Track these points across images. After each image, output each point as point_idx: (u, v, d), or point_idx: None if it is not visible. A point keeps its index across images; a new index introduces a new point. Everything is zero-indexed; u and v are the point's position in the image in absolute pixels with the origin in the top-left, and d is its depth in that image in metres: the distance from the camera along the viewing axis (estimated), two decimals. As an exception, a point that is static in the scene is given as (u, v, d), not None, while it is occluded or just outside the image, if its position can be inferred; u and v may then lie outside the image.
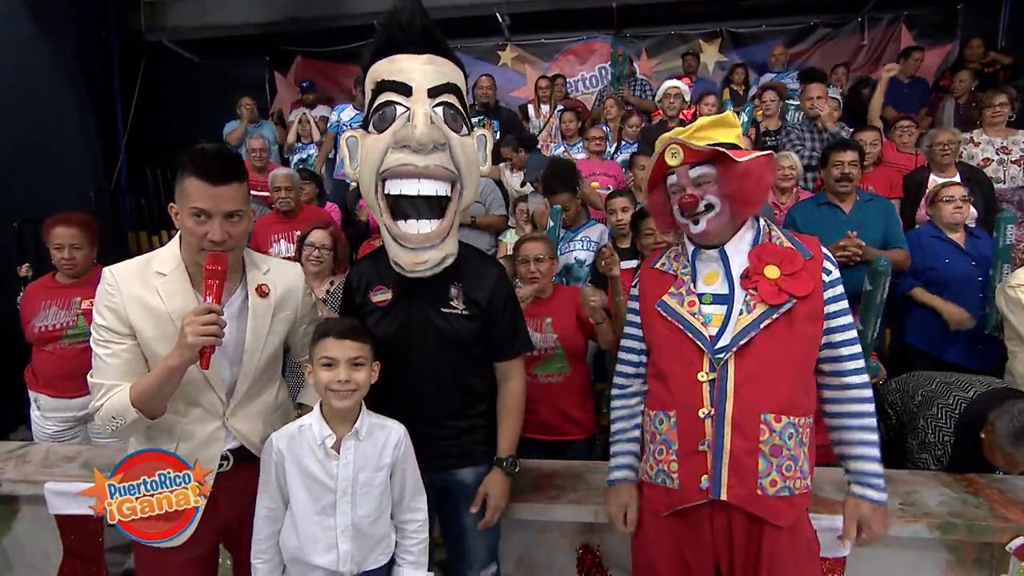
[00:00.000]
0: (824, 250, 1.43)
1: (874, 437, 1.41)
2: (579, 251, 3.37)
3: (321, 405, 1.48)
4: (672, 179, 1.46)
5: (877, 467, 1.41)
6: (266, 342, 1.51)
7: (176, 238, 1.50)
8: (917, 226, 3.45)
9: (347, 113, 5.27)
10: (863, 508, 1.41)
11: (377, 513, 1.48)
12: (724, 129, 1.45)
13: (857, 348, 1.42)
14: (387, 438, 1.49)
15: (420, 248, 1.52)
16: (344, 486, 1.44)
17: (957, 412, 2.01)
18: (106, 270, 1.44)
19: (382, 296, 1.61)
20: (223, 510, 1.51)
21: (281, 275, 1.58)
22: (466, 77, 1.64)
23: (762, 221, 1.48)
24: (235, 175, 1.40)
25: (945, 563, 1.76)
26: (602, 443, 2.83)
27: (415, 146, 1.46)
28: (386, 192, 1.53)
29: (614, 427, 1.63)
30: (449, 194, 1.54)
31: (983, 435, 1.86)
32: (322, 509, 1.44)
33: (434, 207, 1.53)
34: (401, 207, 1.53)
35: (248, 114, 5.51)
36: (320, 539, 1.44)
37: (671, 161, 1.43)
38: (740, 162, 1.36)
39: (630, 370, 1.63)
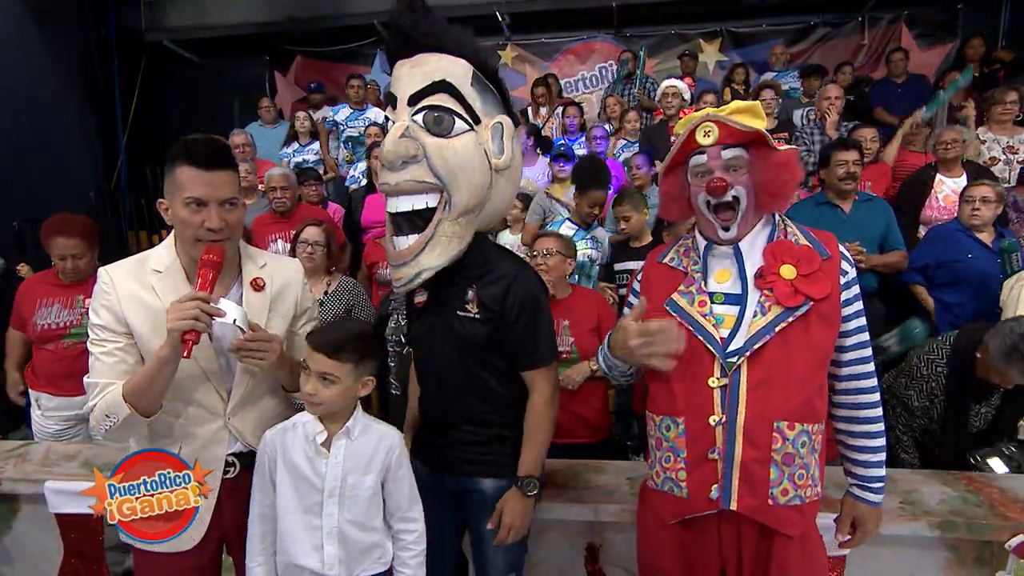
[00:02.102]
0: (842, 248, 1.36)
1: (880, 443, 1.37)
2: (589, 250, 3.38)
3: None
4: (699, 160, 1.34)
5: (879, 471, 1.38)
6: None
7: (171, 236, 1.47)
8: (925, 224, 3.45)
9: (342, 113, 5.27)
10: (860, 509, 1.41)
11: (365, 518, 1.43)
12: (755, 119, 1.34)
13: (868, 352, 1.36)
14: (380, 442, 1.45)
15: (396, 265, 1.52)
16: (332, 486, 1.41)
17: (949, 344, 2.15)
18: (102, 270, 1.42)
19: (420, 298, 1.63)
20: (228, 517, 1.49)
21: (279, 270, 1.55)
22: (482, 64, 1.52)
23: (777, 216, 1.40)
24: (227, 162, 1.38)
25: (945, 561, 1.76)
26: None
27: (386, 164, 1.45)
28: (386, 209, 1.55)
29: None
30: (434, 204, 1.48)
31: (978, 355, 1.95)
32: (308, 508, 1.41)
33: (416, 222, 1.49)
34: (393, 224, 1.54)
35: (267, 116, 5.54)
36: (304, 539, 1.41)
37: (704, 141, 1.31)
38: (780, 150, 1.29)
39: None
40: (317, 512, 1.41)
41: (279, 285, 1.53)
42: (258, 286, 1.48)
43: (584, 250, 3.33)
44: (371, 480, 1.43)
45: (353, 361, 1.39)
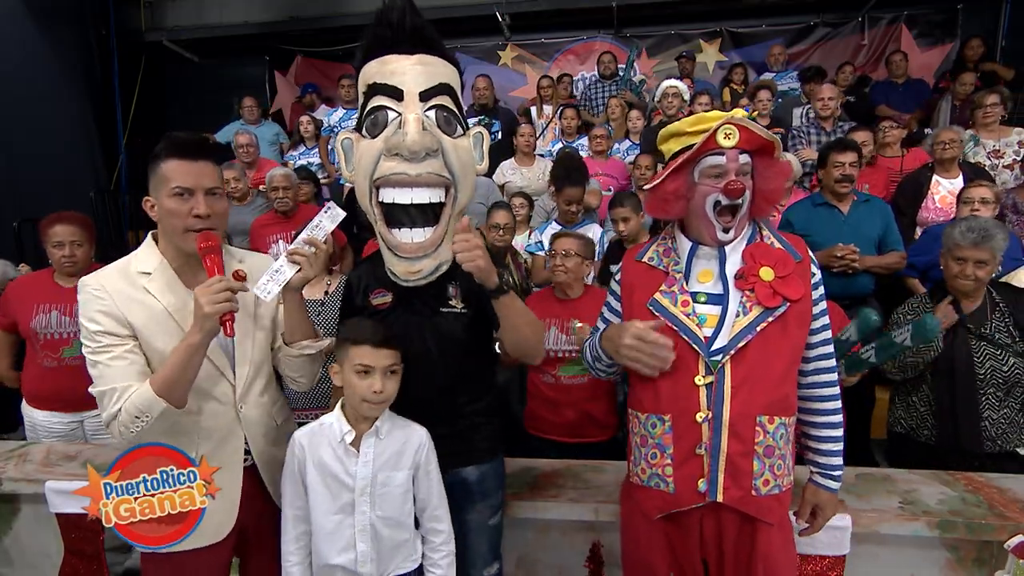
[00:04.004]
0: (809, 251, 1.43)
1: (839, 433, 1.45)
2: None
3: (342, 404, 1.47)
4: (715, 160, 1.35)
5: (839, 460, 1.46)
6: (256, 325, 1.51)
7: (149, 238, 1.49)
8: (921, 224, 3.44)
9: (336, 116, 5.28)
10: (821, 496, 1.49)
11: (398, 515, 1.46)
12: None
13: (831, 348, 1.43)
14: (408, 439, 1.47)
15: (414, 257, 1.51)
16: (363, 485, 1.42)
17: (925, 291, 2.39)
18: (86, 279, 1.42)
19: (382, 299, 1.60)
20: (250, 509, 1.50)
21: (256, 264, 1.56)
22: (461, 74, 1.62)
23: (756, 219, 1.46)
24: (209, 153, 1.44)
25: (944, 561, 1.76)
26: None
27: (407, 154, 1.44)
28: (380, 200, 1.52)
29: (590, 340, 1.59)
30: (443, 200, 1.51)
31: (943, 268, 2.22)
32: (341, 508, 1.43)
33: (428, 214, 1.51)
34: (395, 215, 1.51)
35: (249, 115, 5.52)
36: (338, 538, 1.43)
37: (725, 143, 1.34)
38: (781, 159, 1.37)
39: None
40: (349, 511, 1.43)
41: (257, 276, 1.52)
42: (240, 277, 1.49)
43: None
44: (402, 477, 1.46)
45: (401, 349, 1.44)
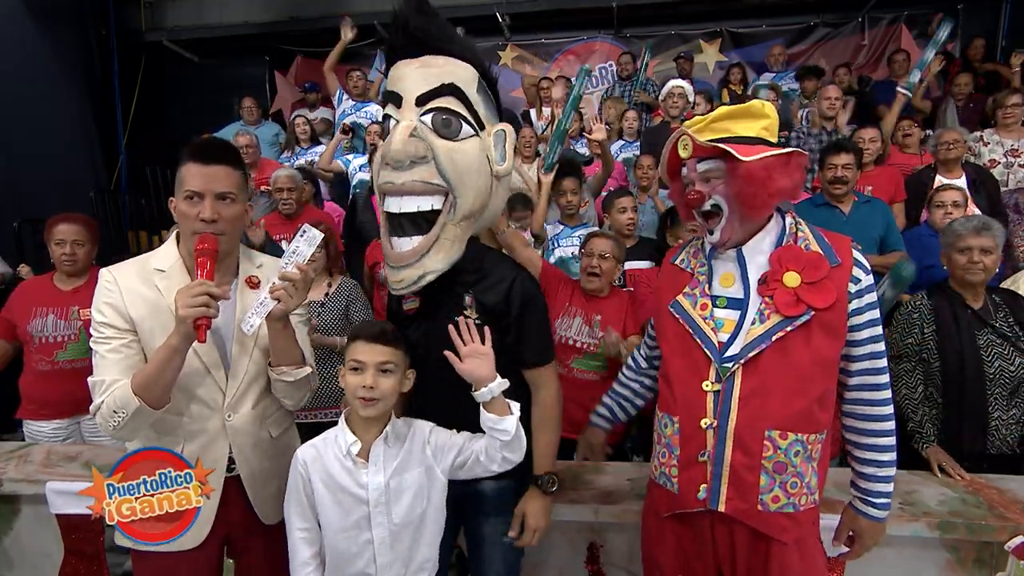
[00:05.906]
0: (856, 254, 1.31)
1: (886, 458, 1.34)
2: (576, 247, 3.38)
3: (345, 415, 1.44)
4: (684, 171, 1.39)
5: (884, 487, 1.36)
6: (258, 335, 1.48)
7: (172, 236, 1.51)
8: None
9: (346, 104, 5.22)
10: (861, 523, 1.40)
11: (415, 518, 1.40)
12: (747, 121, 1.33)
13: (881, 363, 1.31)
14: (413, 435, 1.43)
15: (397, 267, 1.48)
16: (376, 495, 1.37)
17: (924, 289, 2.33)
18: (103, 270, 1.44)
19: (410, 304, 1.59)
20: (232, 517, 1.48)
21: (273, 269, 1.53)
22: (486, 70, 1.54)
23: (788, 219, 1.37)
24: (227, 158, 1.42)
25: (945, 562, 1.76)
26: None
27: (392, 163, 1.43)
28: (383, 208, 1.51)
29: (612, 388, 1.66)
30: (439, 207, 1.47)
31: (945, 267, 2.20)
32: (355, 523, 1.37)
33: (419, 223, 1.47)
34: (392, 224, 1.51)
35: (248, 116, 5.51)
36: (355, 554, 1.38)
37: (682, 153, 1.36)
38: (744, 162, 1.26)
39: (643, 361, 1.64)
40: (366, 526, 1.37)
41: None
42: (252, 283, 1.50)
43: (570, 247, 3.35)
44: (414, 476, 1.41)
45: (403, 349, 1.41)
